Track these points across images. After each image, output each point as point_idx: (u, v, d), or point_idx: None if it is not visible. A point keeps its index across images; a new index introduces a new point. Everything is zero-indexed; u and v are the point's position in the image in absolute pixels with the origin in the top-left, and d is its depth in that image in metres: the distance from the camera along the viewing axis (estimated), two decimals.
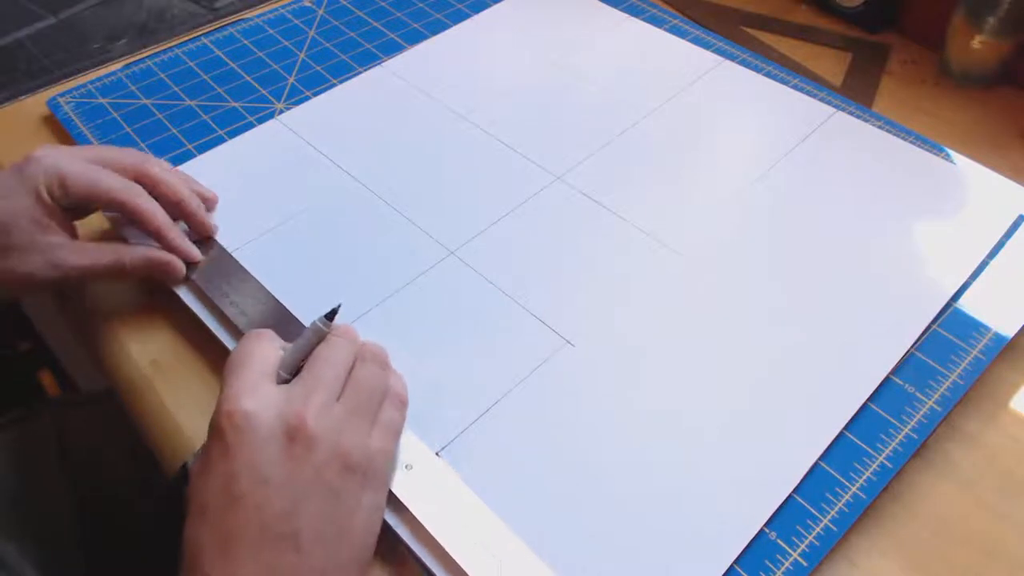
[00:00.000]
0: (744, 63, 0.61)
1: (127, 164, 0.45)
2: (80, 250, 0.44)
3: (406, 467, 0.37)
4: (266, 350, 0.36)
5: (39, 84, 0.64)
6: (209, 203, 0.50)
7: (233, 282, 0.46)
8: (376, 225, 0.50)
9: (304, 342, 0.37)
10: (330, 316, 0.38)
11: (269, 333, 0.38)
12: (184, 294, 0.46)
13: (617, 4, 0.67)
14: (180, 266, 0.45)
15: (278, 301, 0.45)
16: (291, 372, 0.36)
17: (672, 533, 0.36)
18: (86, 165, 0.44)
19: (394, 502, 0.37)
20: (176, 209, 0.47)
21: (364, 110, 0.58)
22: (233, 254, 0.48)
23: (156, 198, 0.45)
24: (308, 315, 0.42)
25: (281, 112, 0.59)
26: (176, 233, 0.46)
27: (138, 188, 0.45)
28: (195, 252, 0.46)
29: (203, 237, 0.48)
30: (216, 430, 0.33)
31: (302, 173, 0.54)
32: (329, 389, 0.35)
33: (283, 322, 0.43)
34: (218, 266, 0.47)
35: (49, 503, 0.53)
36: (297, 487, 0.32)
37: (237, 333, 0.44)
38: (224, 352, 0.43)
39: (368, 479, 0.34)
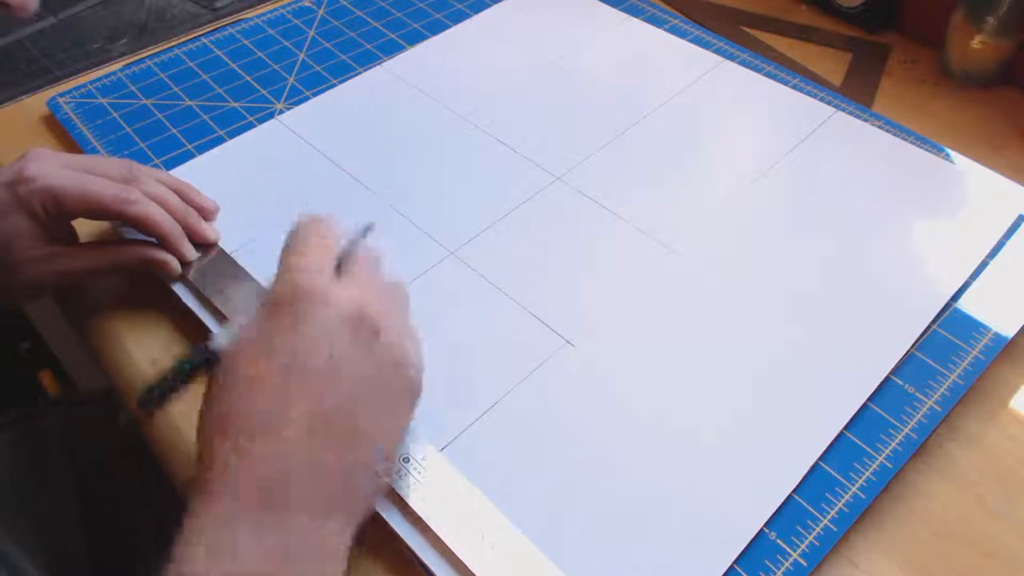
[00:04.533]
0: (744, 63, 0.61)
1: (115, 177, 0.45)
2: (79, 255, 0.45)
3: (403, 460, 0.38)
4: (329, 239, 0.37)
5: (39, 84, 0.64)
6: (209, 214, 0.49)
7: (232, 283, 0.46)
8: (376, 225, 0.50)
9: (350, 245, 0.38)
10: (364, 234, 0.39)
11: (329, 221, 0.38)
12: (184, 294, 0.46)
13: (617, 4, 0.67)
14: (176, 265, 0.46)
15: None
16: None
17: (672, 532, 0.36)
18: (76, 179, 0.43)
19: (394, 497, 0.37)
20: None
21: (364, 110, 0.58)
22: (232, 255, 0.48)
23: None
24: None
25: (281, 112, 0.59)
26: (178, 237, 0.46)
27: (135, 194, 0.44)
28: (192, 252, 0.46)
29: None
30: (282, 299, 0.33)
31: (302, 173, 0.54)
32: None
33: None
34: (217, 267, 0.47)
35: (52, 502, 0.53)
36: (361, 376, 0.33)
37: None
38: None
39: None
